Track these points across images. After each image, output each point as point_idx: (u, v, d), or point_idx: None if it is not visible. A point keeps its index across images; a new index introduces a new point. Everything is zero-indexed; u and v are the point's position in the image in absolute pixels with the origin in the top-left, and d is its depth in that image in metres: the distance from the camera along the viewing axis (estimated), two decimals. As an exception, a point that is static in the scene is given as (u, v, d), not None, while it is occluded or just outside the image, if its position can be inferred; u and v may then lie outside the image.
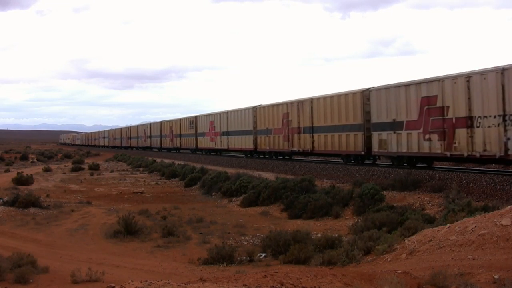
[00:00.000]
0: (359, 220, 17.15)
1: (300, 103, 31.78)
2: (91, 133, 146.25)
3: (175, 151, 61.44)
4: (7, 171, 46.94)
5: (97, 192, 31.77)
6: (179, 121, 59.30)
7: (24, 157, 71.50)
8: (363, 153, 26.03)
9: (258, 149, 38.14)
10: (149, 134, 73.95)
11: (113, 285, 7.04)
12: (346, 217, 19.33)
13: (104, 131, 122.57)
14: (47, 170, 47.44)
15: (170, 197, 29.09)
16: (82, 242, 17.07)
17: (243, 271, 9.75)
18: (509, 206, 10.86)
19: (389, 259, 10.56)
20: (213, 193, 28.86)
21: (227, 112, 43.24)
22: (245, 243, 16.37)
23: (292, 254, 12.85)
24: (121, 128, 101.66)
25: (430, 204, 17.87)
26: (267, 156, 37.77)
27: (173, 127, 61.33)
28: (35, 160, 69.59)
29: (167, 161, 50.43)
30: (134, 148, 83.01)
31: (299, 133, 31.72)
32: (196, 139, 52.00)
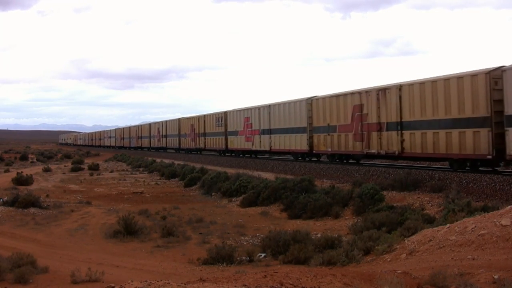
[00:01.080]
0: (359, 220, 17.17)
1: (381, 91, 24.93)
2: (95, 132, 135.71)
3: (196, 152, 53.88)
4: (6, 171, 46.92)
5: (97, 192, 31.77)
6: (203, 118, 50.53)
7: (24, 157, 71.49)
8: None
9: (314, 151, 30.79)
10: (164, 133, 65.09)
11: (112, 285, 7.03)
12: (346, 217, 19.33)
13: (110, 130, 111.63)
14: (46, 170, 47.42)
15: (170, 197, 29.09)
16: (82, 242, 17.06)
17: (243, 271, 9.75)
18: (509, 206, 10.87)
19: (389, 259, 10.56)
20: (213, 193, 28.86)
21: (269, 106, 36.09)
22: (245, 243, 16.37)
23: (292, 254, 12.86)
24: (130, 127, 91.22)
25: (430, 204, 17.87)
26: (327, 160, 30.91)
27: (195, 125, 52.57)
28: (34, 160, 69.58)
29: (166, 161, 50.40)
30: (146, 149, 75.06)
31: (379, 130, 25.05)
32: (226, 139, 43.95)
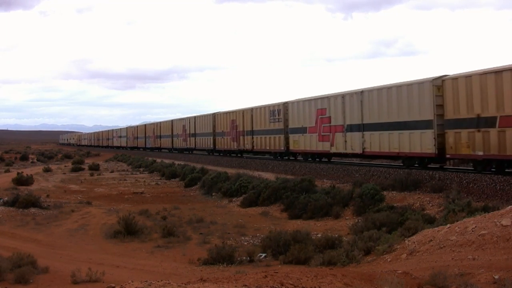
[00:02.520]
0: (359, 220, 17.15)
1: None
2: (102, 132, 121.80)
3: (236, 156, 43.34)
4: (7, 171, 46.95)
5: (97, 192, 31.77)
6: (249, 112, 39.36)
7: (24, 157, 71.52)
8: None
9: (449, 155, 20.97)
10: (192, 131, 53.69)
11: (113, 285, 7.03)
12: (346, 217, 19.33)
13: (120, 129, 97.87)
14: (47, 170, 47.43)
15: (170, 197, 29.09)
16: (82, 242, 17.07)
17: (243, 271, 9.75)
18: (509, 207, 10.86)
19: (389, 259, 10.56)
20: (213, 193, 28.86)
21: (362, 92, 26.10)
22: (245, 243, 16.37)
23: (292, 254, 12.86)
24: (145, 125, 78.97)
25: (430, 204, 17.87)
26: (477, 169, 20.15)
27: (238, 121, 41.22)
28: (35, 160, 69.61)
29: (167, 161, 50.41)
30: (167, 151, 64.85)
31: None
32: (287, 138, 33.58)
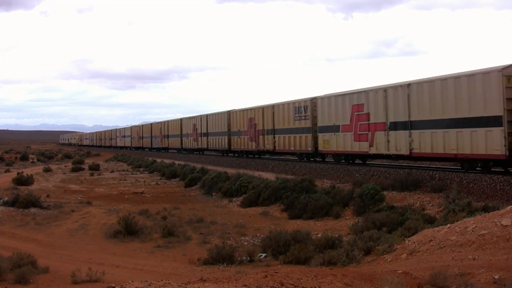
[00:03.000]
0: (359, 220, 17.16)
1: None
2: (105, 131, 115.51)
3: (254, 157, 39.65)
4: (7, 171, 46.96)
5: (97, 192, 31.77)
6: (269, 109, 35.69)
7: (24, 157, 71.51)
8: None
9: None
10: (203, 131, 49.46)
11: (113, 285, 7.03)
12: (347, 217, 19.33)
13: (125, 128, 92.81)
14: (47, 170, 47.43)
15: (170, 197, 29.09)
16: (82, 242, 17.07)
17: (243, 271, 9.75)
18: (509, 207, 10.86)
19: (389, 259, 10.56)
20: (213, 193, 28.86)
21: (408, 85, 22.62)
22: (245, 243, 16.37)
23: (292, 254, 12.85)
24: (151, 124, 73.01)
25: (431, 204, 17.87)
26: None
27: (256, 119, 37.38)
28: (35, 160, 69.60)
29: (167, 161, 50.41)
30: (175, 151, 60.97)
31: None
32: (315, 137, 29.87)
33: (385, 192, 20.06)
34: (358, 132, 25.98)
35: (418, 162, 26.52)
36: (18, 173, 36.78)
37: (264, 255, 14.13)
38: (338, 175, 25.97)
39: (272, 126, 35.05)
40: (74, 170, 49.76)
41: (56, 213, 22.83)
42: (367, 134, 25.26)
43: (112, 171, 49.10)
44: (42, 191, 29.90)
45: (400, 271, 8.50)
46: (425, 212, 16.72)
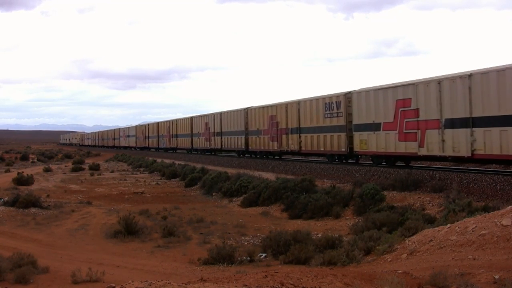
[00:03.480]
0: (360, 220, 17.17)
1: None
2: (107, 131, 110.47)
3: (274, 158, 36.52)
4: (7, 171, 46.96)
5: (98, 192, 31.78)
6: (295, 106, 32.32)
7: (25, 157, 71.53)
8: None
9: None
10: (217, 130, 45.85)
11: (113, 285, 7.03)
12: (347, 217, 19.33)
13: (129, 127, 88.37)
14: (47, 170, 47.44)
15: (171, 197, 29.10)
16: (83, 242, 17.07)
17: (244, 271, 9.75)
18: (510, 206, 10.86)
19: (389, 259, 10.56)
20: (214, 193, 28.87)
21: (469, 75, 19.84)
22: (246, 243, 16.37)
23: (293, 254, 12.85)
24: (158, 123, 68.74)
25: (431, 204, 17.87)
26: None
27: (279, 116, 34.08)
28: (35, 160, 69.60)
29: (167, 161, 50.40)
30: (185, 152, 56.66)
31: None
32: (349, 137, 26.95)
33: (385, 192, 20.06)
34: (404, 131, 22.89)
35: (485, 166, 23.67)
36: (18, 173, 36.79)
37: (264, 255, 14.13)
38: (338, 175, 25.97)
39: (298, 124, 31.13)
40: (74, 170, 49.76)
41: (56, 213, 22.83)
42: (415, 132, 22.25)
43: (112, 171, 49.09)
44: (42, 191, 29.91)
45: (400, 271, 8.50)
46: (425, 212, 16.72)
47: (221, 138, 44.74)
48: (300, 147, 31.76)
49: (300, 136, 31.67)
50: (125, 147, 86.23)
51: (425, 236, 10.93)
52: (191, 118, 54.22)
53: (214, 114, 47.22)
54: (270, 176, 29.29)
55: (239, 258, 13.54)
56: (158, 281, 6.56)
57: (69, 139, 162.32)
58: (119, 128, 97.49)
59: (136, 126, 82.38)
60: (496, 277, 7.46)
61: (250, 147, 38.91)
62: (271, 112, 35.24)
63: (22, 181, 33.83)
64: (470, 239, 9.71)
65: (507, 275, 7.40)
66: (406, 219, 14.80)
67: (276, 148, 35.24)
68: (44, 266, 12.12)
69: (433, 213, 16.48)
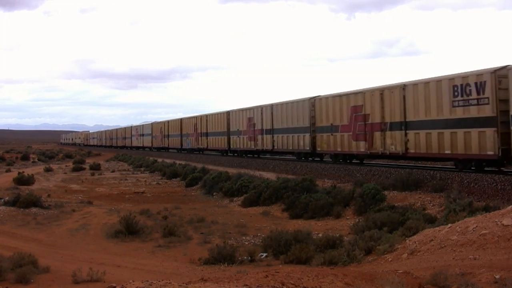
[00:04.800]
0: (360, 220, 17.17)
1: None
2: (116, 129, 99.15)
3: (358, 164, 28.01)
4: (8, 171, 46.97)
5: (98, 192, 31.78)
6: (397, 91, 23.68)
7: (25, 157, 71.53)
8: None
9: None
10: (264, 126, 36.35)
11: (114, 285, 7.03)
12: (347, 217, 19.33)
13: (143, 125, 77.79)
14: (48, 170, 47.46)
15: (171, 197, 29.10)
16: (83, 242, 17.07)
17: (244, 271, 9.75)
18: (510, 206, 10.86)
19: (390, 259, 10.56)
20: (214, 193, 28.87)
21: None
22: (246, 243, 16.37)
23: (293, 254, 12.85)
24: (181, 119, 57.59)
25: (431, 204, 17.86)
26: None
27: (368, 107, 25.55)
28: (36, 160, 69.63)
29: (168, 161, 50.40)
30: (219, 154, 46.07)
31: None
32: (506, 133, 18.28)
33: (386, 192, 20.06)
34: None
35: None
36: (19, 173, 36.80)
37: (265, 255, 14.13)
38: (339, 175, 25.97)
39: (403, 117, 23.06)
40: (75, 169, 49.79)
41: (57, 212, 22.83)
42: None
43: (113, 171, 49.10)
44: (43, 191, 29.92)
45: (401, 271, 8.50)
46: (426, 212, 16.71)
47: (273, 137, 35.47)
48: (406, 147, 26.25)
49: (406, 133, 25.41)
50: (137, 148, 77.22)
51: (425, 236, 10.93)
52: (228, 112, 43.46)
53: (261, 107, 37.41)
54: (270, 176, 29.29)
55: (239, 258, 13.54)
56: (159, 281, 6.56)
57: (72, 139, 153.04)
58: (131, 127, 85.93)
59: (152, 124, 71.12)
60: (497, 277, 7.46)
61: (318, 148, 30.78)
62: (355, 102, 28.09)
63: (22, 181, 33.85)
64: (470, 239, 9.70)
65: (507, 275, 7.39)
66: (406, 219, 14.81)
67: (364, 149, 28.79)
68: (44, 266, 12.12)
69: (434, 213, 16.48)
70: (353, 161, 28.11)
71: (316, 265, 11.42)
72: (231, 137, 42.34)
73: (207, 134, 48.11)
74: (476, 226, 10.05)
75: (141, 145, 76.08)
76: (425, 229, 11.77)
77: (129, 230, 17.52)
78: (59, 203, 25.14)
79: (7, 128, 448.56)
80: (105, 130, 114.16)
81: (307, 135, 30.81)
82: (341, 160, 28.76)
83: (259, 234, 17.48)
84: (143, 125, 78.03)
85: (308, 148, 30.92)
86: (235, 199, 26.27)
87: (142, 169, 50.72)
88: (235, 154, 42.49)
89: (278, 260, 13.31)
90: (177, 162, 47.59)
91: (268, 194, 23.84)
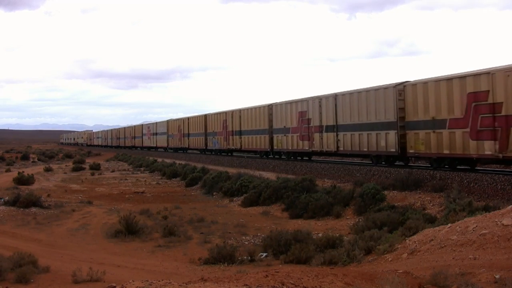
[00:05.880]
0: (360, 220, 17.17)
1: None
2: (124, 128, 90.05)
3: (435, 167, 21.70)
4: (8, 170, 46.96)
5: (98, 192, 31.78)
6: (503, 75, 17.64)
7: (25, 157, 71.53)
8: None
9: None
10: (322, 122, 29.18)
11: (114, 285, 7.03)
12: (347, 217, 19.33)
13: (156, 123, 68.55)
14: (48, 170, 47.47)
15: (171, 197, 29.09)
16: (83, 242, 17.07)
17: (244, 271, 9.75)
18: (510, 206, 10.85)
19: (390, 259, 10.56)
20: (214, 193, 28.86)
21: None
22: (246, 243, 16.37)
23: (293, 254, 12.86)
24: (206, 115, 49.04)
25: (431, 204, 17.86)
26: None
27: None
28: (36, 160, 69.62)
29: (168, 161, 50.40)
30: (264, 156, 37.43)
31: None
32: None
33: (385, 192, 20.06)
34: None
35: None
36: (19, 173, 36.80)
37: (265, 254, 14.13)
38: (339, 175, 25.97)
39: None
40: (75, 169, 49.80)
41: (57, 212, 22.84)
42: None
43: (113, 171, 49.11)
44: (43, 191, 29.93)
45: (401, 271, 8.50)
46: (426, 211, 16.71)
47: (336, 135, 28.28)
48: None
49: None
50: (150, 148, 70.14)
51: (425, 235, 10.93)
52: (269, 106, 35.69)
53: (311, 99, 30.83)
54: (270, 175, 29.29)
55: (239, 258, 13.55)
56: (159, 281, 6.57)
57: (74, 139, 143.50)
58: (142, 124, 78.64)
59: (168, 121, 62.74)
60: (497, 276, 7.46)
61: (410, 150, 25.91)
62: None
63: (22, 180, 33.85)
64: (470, 238, 9.70)
65: (507, 275, 7.39)
66: (406, 218, 14.80)
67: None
68: (44, 265, 12.12)
69: (434, 212, 16.48)
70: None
71: (316, 265, 11.42)
72: (275, 135, 34.90)
73: (240, 133, 40.25)
74: (476, 226, 10.05)
75: (154, 145, 68.24)
76: (425, 229, 11.76)
77: (129, 230, 17.52)
78: (59, 203, 25.15)
79: (7, 128, 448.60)
80: (111, 129, 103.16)
81: (394, 133, 24.96)
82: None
83: (259, 234, 17.48)
84: (156, 122, 68.94)
85: (394, 148, 24.07)
86: (235, 199, 26.27)
87: (142, 169, 50.73)
88: (281, 157, 35.37)
89: (278, 260, 13.31)
90: (177, 162, 47.59)
91: (268, 194, 23.84)
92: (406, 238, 11.58)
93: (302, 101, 31.78)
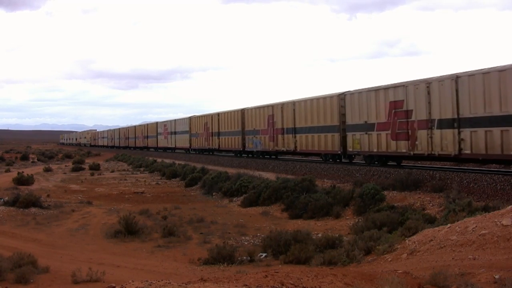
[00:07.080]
0: (360, 220, 17.16)
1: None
2: (135, 127, 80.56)
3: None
4: (7, 171, 46.95)
5: (98, 192, 31.78)
6: None
7: (25, 157, 71.51)
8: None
9: None
10: (425, 115, 21.51)
11: (113, 285, 7.04)
12: (347, 217, 19.33)
13: (175, 120, 58.93)
14: (47, 170, 47.46)
15: (171, 197, 29.09)
16: (83, 242, 17.07)
17: (244, 271, 9.76)
18: (510, 206, 10.86)
19: (389, 259, 10.56)
20: (214, 193, 28.86)
21: None
22: (246, 243, 16.37)
23: (293, 254, 12.85)
24: (243, 110, 40.69)
25: (431, 204, 17.86)
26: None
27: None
28: (35, 160, 69.61)
29: (167, 161, 50.39)
30: (325, 159, 29.93)
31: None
32: None
33: (385, 192, 20.06)
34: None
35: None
36: (18, 173, 36.79)
37: (264, 255, 14.13)
38: (339, 175, 25.97)
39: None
40: (74, 170, 49.79)
41: (57, 213, 22.83)
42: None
43: (112, 171, 49.09)
44: (43, 191, 29.92)
45: (400, 271, 8.50)
46: (426, 212, 16.71)
47: (442, 133, 21.13)
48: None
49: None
50: (165, 149, 61.89)
51: (425, 236, 10.93)
52: (340, 96, 28.24)
53: (409, 84, 23.60)
54: (270, 176, 29.29)
55: (239, 258, 13.54)
56: (159, 281, 6.57)
57: (76, 139, 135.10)
58: (156, 123, 67.75)
59: (190, 118, 53.40)
60: (497, 277, 7.46)
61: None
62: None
63: (22, 181, 33.84)
64: (470, 239, 9.70)
65: (507, 275, 7.39)
66: (406, 219, 14.81)
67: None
68: (44, 266, 12.12)
69: (433, 213, 16.48)
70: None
71: (316, 265, 11.43)
72: (349, 134, 27.37)
73: (294, 130, 32.64)
74: (476, 226, 10.06)
75: (172, 146, 59.43)
76: (425, 229, 11.77)
77: (128, 230, 17.52)
78: (58, 203, 25.14)
79: (7, 128, 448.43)
80: (119, 128, 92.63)
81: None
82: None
83: (258, 234, 17.48)
84: (175, 120, 59.24)
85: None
86: (234, 199, 26.27)
87: (142, 169, 50.69)
88: (352, 162, 28.90)
89: (278, 260, 13.31)
90: (177, 162, 47.59)
91: (267, 194, 23.84)
92: (406, 238, 11.58)
93: (392, 87, 24.28)
